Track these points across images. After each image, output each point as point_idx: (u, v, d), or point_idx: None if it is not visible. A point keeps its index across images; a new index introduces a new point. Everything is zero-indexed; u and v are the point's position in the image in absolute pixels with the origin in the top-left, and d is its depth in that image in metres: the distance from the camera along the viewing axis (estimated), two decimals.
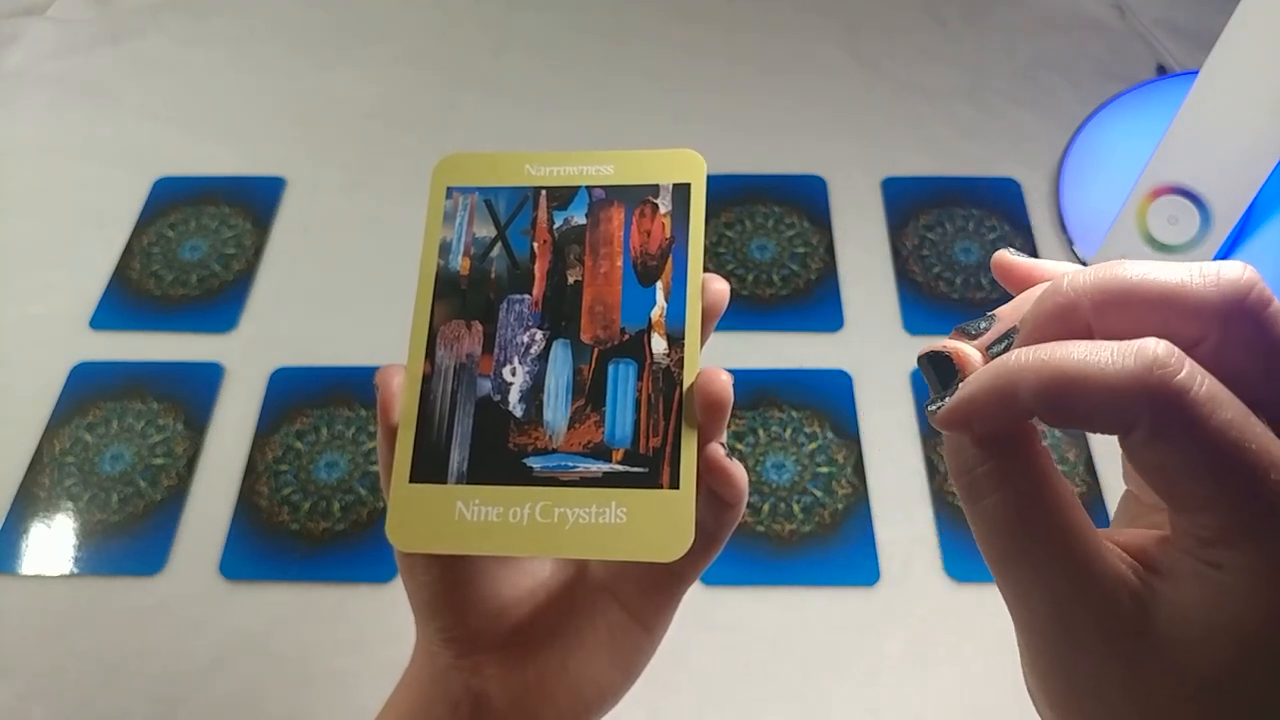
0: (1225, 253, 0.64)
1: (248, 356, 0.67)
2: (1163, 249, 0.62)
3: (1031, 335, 0.24)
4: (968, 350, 0.25)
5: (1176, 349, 0.20)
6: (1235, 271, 0.22)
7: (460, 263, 0.33)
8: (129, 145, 0.79)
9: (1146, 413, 0.20)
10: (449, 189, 0.34)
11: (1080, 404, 0.21)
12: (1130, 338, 0.21)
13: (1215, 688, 0.21)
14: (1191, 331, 0.22)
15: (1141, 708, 0.22)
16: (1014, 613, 0.24)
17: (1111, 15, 0.85)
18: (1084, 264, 0.31)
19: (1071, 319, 0.23)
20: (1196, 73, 0.57)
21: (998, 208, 0.73)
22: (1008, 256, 0.26)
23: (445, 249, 0.33)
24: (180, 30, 0.88)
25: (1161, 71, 0.80)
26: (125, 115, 0.82)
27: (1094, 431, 0.21)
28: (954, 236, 0.71)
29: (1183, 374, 0.20)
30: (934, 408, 0.24)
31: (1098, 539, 0.23)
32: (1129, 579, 0.22)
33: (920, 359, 0.25)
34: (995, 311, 0.26)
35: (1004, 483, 0.23)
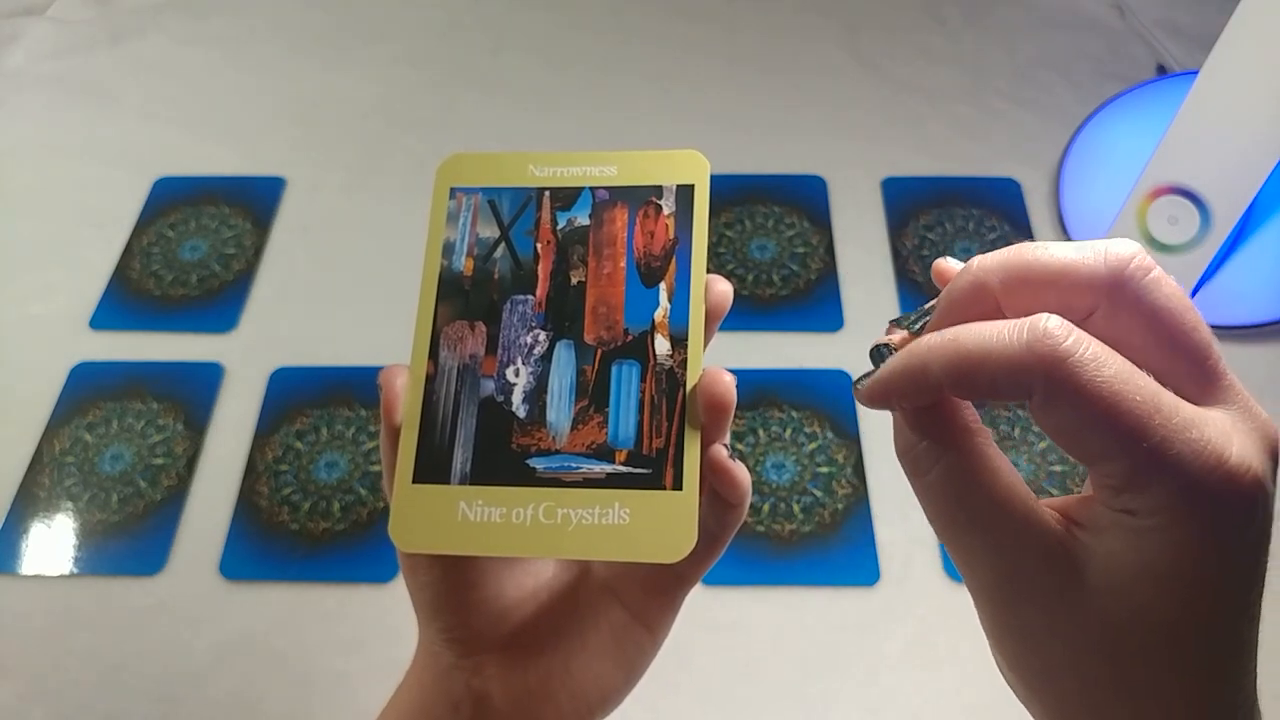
0: (1225, 253, 0.64)
1: (248, 356, 0.67)
2: (1163, 249, 0.62)
3: (945, 310, 0.26)
4: (897, 336, 0.28)
5: (1065, 321, 0.23)
6: (1120, 247, 0.24)
7: (464, 263, 0.33)
8: (129, 145, 0.79)
9: (1040, 379, 0.22)
10: (453, 189, 0.34)
11: (983, 378, 0.23)
12: (1033, 313, 0.23)
13: (1141, 626, 0.23)
14: (1086, 303, 0.24)
15: (1084, 654, 0.24)
16: (968, 581, 0.26)
17: (1111, 15, 0.86)
18: None
19: (982, 295, 0.25)
20: (1196, 73, 0.57)
21: (998, 208, 0.73)
22: (945, 264, 0.28)
23: (449, 249, 0.33)
24: (180, 30, 0.88)
25: (1161, 71, 0.81)
26: (125, 115, 0.82)
27: (1000, 400, 0.24)
28: (954, 236, 0.71)
29: (1068, 341, 0.22)
30: (859, 385, 0.27)
31: (1034, 502, 0.25)
32: (1061, 535, 0.24)
33: (870, 352, 0.28)
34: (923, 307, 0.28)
35: (943, 456, 0.25)
